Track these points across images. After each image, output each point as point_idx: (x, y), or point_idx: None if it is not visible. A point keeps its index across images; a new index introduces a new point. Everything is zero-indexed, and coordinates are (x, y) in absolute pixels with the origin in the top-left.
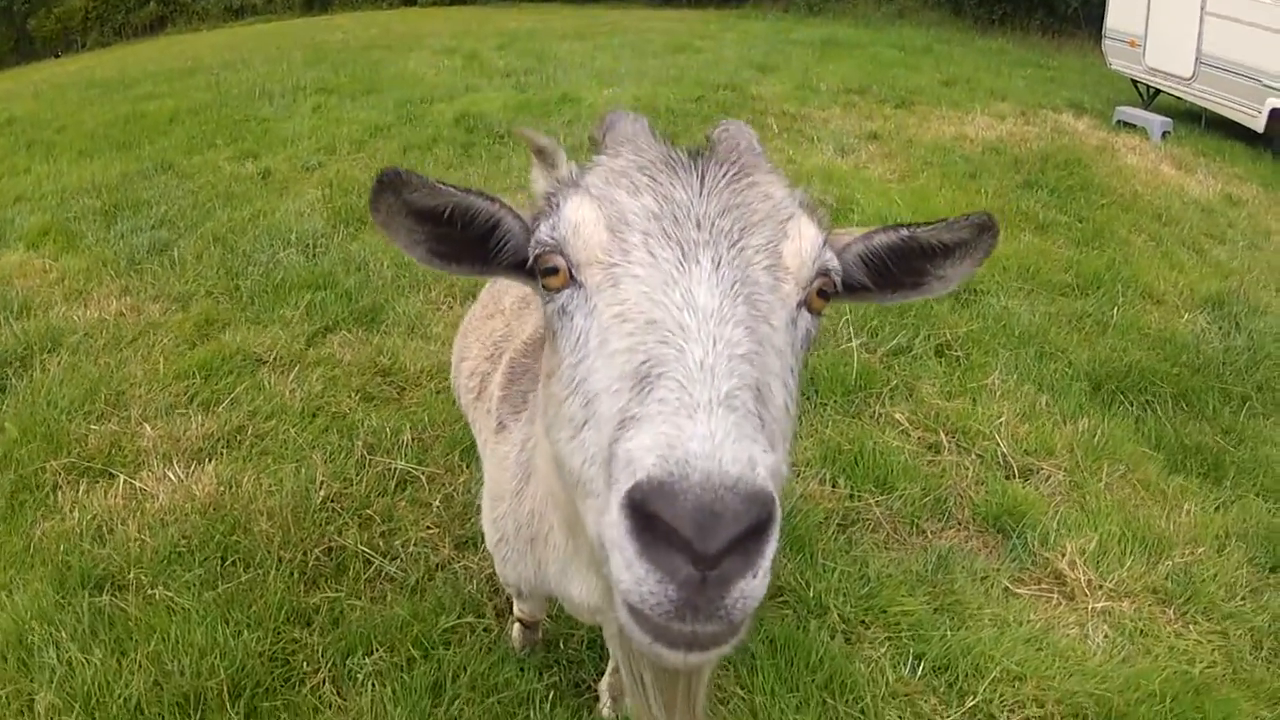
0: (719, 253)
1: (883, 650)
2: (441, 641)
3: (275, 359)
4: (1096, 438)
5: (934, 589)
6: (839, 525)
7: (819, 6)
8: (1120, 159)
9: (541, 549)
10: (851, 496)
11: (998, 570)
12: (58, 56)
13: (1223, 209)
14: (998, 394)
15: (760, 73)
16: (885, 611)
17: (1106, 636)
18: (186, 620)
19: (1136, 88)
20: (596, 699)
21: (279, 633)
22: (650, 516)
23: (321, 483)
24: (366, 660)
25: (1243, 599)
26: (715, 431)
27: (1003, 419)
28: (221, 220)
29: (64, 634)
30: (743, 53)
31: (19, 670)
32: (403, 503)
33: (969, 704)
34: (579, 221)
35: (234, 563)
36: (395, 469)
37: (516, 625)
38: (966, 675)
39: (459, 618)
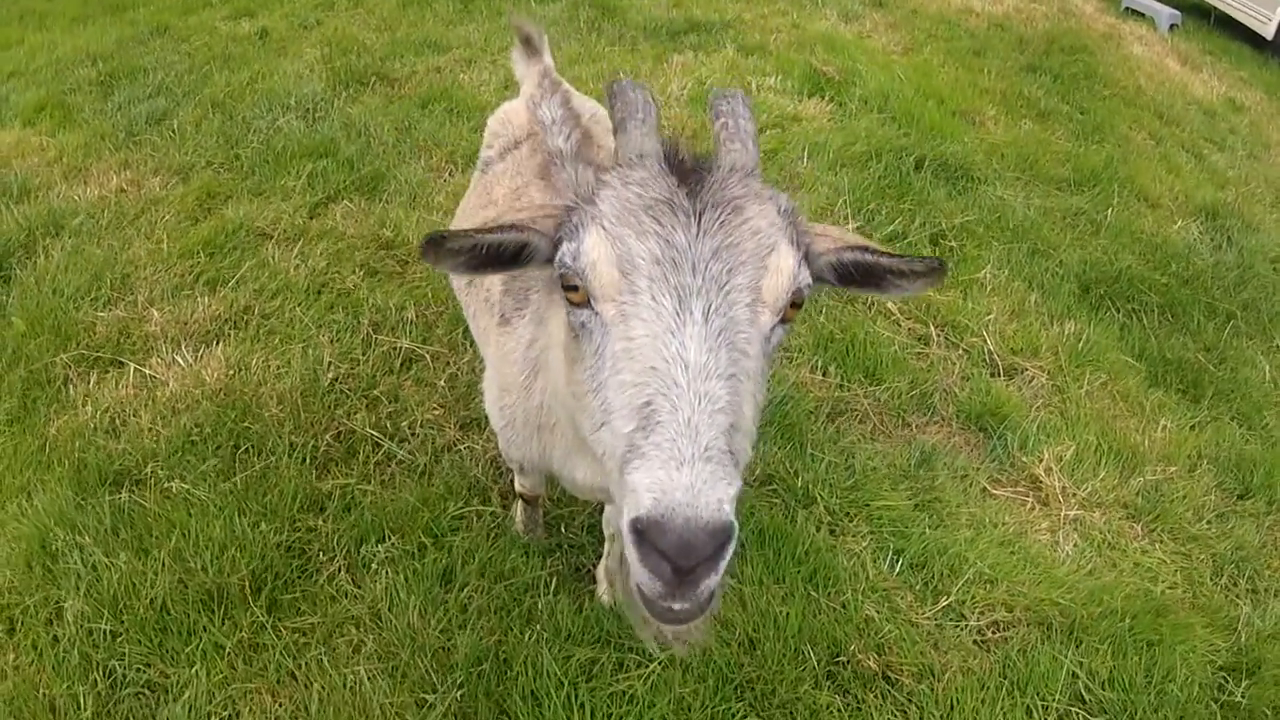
0: (709, 301)
1: (864, 544)
2: (450, 528)
3: (279, 233)
4: (1082, 343)
5: (915, 485)
6: (828, 415)
7: None
8: (1126, 48)
9: (548, 436)
10: (841, 386)
11: (977, 470)
12: None
13: (1225, 113)
14: (988, 289)
15: None
16: (868, 505)
17: (1076, 546)
18: (204, 514)
19: None
20: (595, 583)
21: (295, 523)
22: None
23: (329, 364)
24: (379, 548)
25: (1208, 523)
26: (695, 482)
27: (991, 315)
28: (219, 85)
29: (87, 538)
30: None
31: (45, 578)
32: (408, 382)
33: (942, 603)
34: (596, 259)
35: (247, 450)
36: (400, 348)
37: (519, 504)
38: (942, 575)
39: (466, 504)
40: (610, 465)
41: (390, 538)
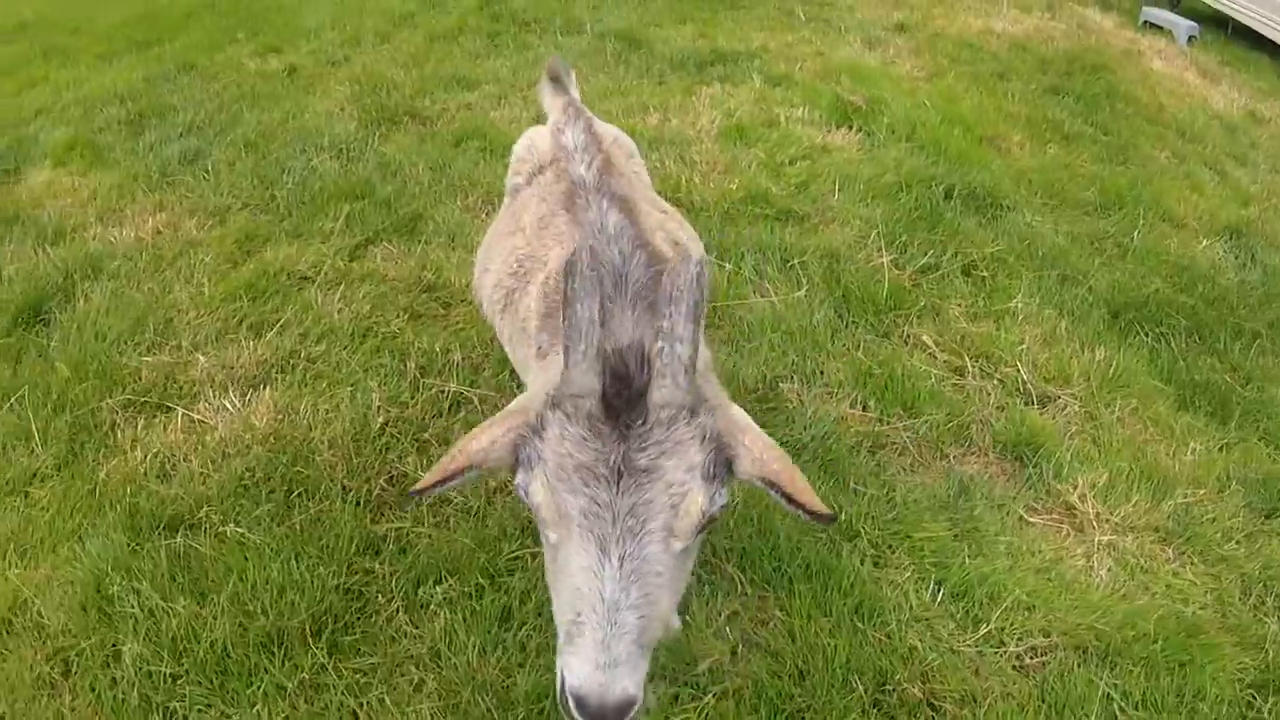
0: (624, 548)
1: (907, 575)
2: (506, 569)
3: (321, 277)
4: (1112, 368)
5: (955, 515)
6: (869, 449)
7: None
8: (1146, 63)
9: None
10: (880, 420)
11: (1014, 499)
12: None
13: (1246, 126)
14: (1020, 318)
15: None
16: (910, 537)
17: (1110, 570)
18: (261, 558)
19: None
20: None
21: (351, 565)
22: None
23: (378, 408)
24: (437, 589)
25: (1237, 543)
26: (606, 680)
27: (1024, 344)
28: (251, 124)
29: (144, 582)
30: None
31: (100, 621)
32: (457, 426)
33: (982, 630)
34: (539, 502)
35: (300, 494)
36: (448, 391)
37: None
38: (982, 602)
39: (521, 545)
40: (555, 622)
41: (448, 579)
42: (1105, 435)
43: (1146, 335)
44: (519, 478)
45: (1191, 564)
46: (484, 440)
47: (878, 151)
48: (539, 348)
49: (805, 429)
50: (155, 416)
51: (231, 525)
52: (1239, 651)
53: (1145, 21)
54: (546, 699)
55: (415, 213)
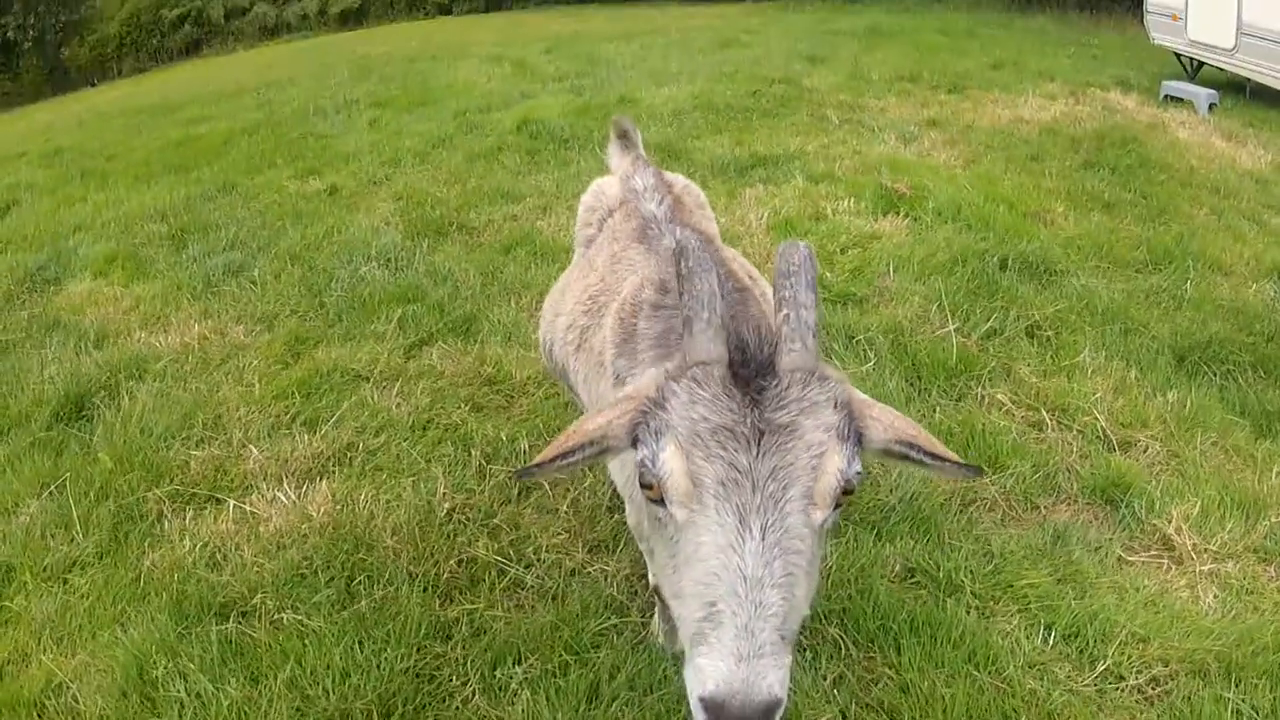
0: (766, 518)
1: (1014, 623)
2: (591, 644)
3: (376, 375)
4: (1187, 408)
5: (1054, 562)
6: (959, 506)
7: None
8: (1172, 134)
9: None
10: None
11: (1110, 540)
12: (93, 85)
13: (1276, 178)
14: (1089, 371)
15: (810, 64)
16: (1012, 586)
17: (1216, 597)
18: (321, 643)
19: (1180, 60)
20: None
21: (421, 649)
22: None
23: (444, 495)
24: (517, 669)
25: None
26: (750, 675)
27: (1098, 395)
28: (295, 239)
29: (192, 665)
30: (790, 45)
31: (142, 705)
32: (529, 510)
33: (1100, 668)
34: (672, 470)
35: (362, 581)
36: None
37: (659, 611)
38: (1094, 641)
39: (605, 620)
40: (680, 635)
41: (528, 658)
42: (1191, 469)
43: (1214, 374)
44: (642, 452)
45: None
46: (600, 420)
47: (927, 234)
48: (617, 376)
49: (891, 491)
50: (204, 508)
51: (289, 612)
52: None
53: (1166, 95)
54: None
55: (469, 314)
